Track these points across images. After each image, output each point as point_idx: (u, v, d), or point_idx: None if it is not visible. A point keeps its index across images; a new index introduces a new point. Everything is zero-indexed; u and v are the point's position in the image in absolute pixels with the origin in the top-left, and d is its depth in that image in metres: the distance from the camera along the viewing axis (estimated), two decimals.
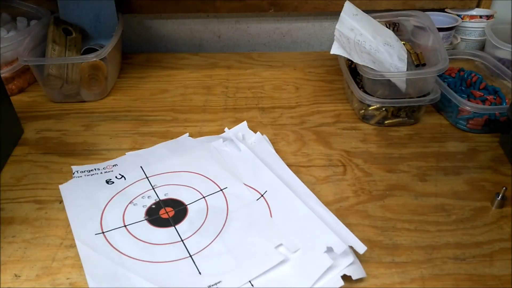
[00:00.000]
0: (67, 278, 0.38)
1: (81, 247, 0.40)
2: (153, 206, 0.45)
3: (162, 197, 0.46)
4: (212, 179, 0.48)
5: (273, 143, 0.55)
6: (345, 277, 0.37)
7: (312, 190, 0.47)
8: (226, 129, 0.57)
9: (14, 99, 0.65)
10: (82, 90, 0.64)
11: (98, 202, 0.46)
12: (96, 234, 0.42)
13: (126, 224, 0.43)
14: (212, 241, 0.41)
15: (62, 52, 0.64)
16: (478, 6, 0.78)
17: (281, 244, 0.40)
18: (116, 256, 0.40)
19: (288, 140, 0.56)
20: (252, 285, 0.37)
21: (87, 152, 0.54)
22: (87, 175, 0.49)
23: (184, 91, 0.68)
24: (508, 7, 0.78)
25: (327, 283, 0.37)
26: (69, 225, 0.43)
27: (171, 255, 0.40)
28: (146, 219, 0.44)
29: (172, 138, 0.56)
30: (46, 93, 0.65)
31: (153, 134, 0.57)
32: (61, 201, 0.47)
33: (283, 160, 0.51)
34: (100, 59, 0.62)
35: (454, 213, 0.45)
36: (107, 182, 0.48)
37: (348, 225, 0.42)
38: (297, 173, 0.49)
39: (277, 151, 0.53)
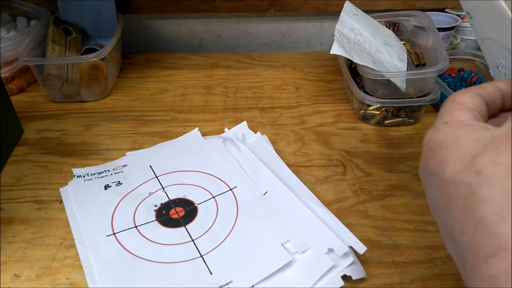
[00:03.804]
0: (67, 278, 0.38)
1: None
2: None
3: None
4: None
5: (273, 143, 0.55)
6: (345, 277, 0.37)
7: (312, 190, 0.47)
8: (226, 129, 0.57)
9: (14, 99, 0.65)
10: (82, 90, 0.64)
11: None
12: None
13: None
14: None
15: (62, 52, 0.64)
16: None
17: (288, 241, 0.40)
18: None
19: (288, 140, 0.56)
20: (252, 286, 0.37)
21: (87, 152, 0.54)
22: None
23: (184, 91, 0.68)
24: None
25: (327, 284, 0.37)
26: (69, 225, 0.43)
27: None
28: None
29: (172, 138, 0.56)
30: (46, 93, 0.65)
31: (153, 134, 0.58)
32: (61, 201, 0.47)
33: (283, 160, 0.51)
34: (100, 59, 0.62)
35: None
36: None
37: (348, 225, 0.42)
38: (297, 173, 0.49)
39: (277, 151, 0.53)
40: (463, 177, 0.21)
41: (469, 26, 0.76)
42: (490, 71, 0.29)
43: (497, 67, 0.28)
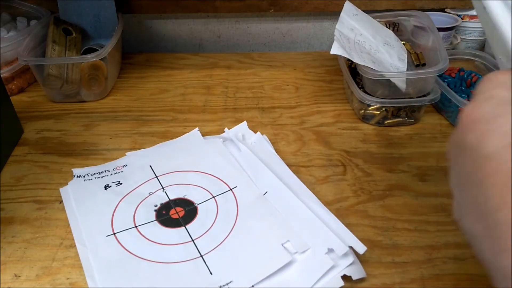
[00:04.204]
0: (67, 278, 0.38)
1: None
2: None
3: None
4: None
5: (273, 143, 0.55)
6: (345, 277, 0.37)
7: (312, 190, 0.47)
8: (226, 129, 0.57)
9: (14, 99, 0.65)
10: (82, 90, 0.64)
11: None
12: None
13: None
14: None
15: (62, 52, 0.64)
16: None
17: (288, 241, 0.40)
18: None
19: (288, 140, 0.56)
20: (252, 286, 0.37)
21: (87, 152, 0.54)
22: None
23: (184, 91, 0.68)
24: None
25: (327, 284, 0.37)
26: (69, 225, 0.43)
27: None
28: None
29: (172, 138, 0.56)
30: (46, 93, 0.65)
31: (153, 134, 0.58)
32: (61, 201, 0.47)
33: (283, 160, 0.51)
34: (100, 59, 0.62)
35: None
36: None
37: (348, 225, 0.42)
38: (297, 173, 0.49)
39: (277, 151, 0.53)
40: (505, 154, 0.21)
41: (469, 26, 0.76)
42: (500, 57, 0.28)
43: None
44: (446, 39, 0.74)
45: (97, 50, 0.63)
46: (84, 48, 0.68)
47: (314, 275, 0.37)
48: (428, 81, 0.57)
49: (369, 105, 0.58)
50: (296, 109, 0.63)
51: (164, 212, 0.44)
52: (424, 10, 0.67)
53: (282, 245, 0.40)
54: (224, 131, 0.57)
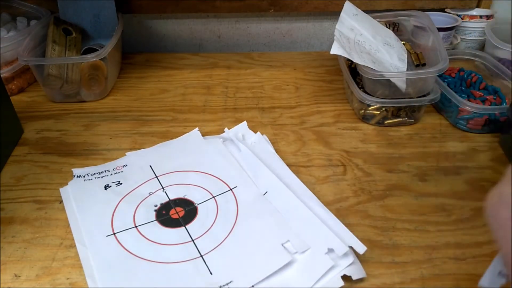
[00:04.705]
0: (67, 278, 0.38)
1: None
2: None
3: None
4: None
5: (273, 143, 0.55)
6: (345, 277, 0.37)
7: (312, 190, 0.47)
8: (226, 129, 0.57)
9: (14, 99, 0.65)
10: (82, 90, 0.64)
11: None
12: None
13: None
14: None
15: (62, 52, 0.64)
16: (478, 6, 0.78)
17: (288, 241, 0.40)
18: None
19: (288, 140, 0.56)
20: (252, 286, 0.37)
21: (87, 152, 0.54)
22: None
23: (184, 91, 0.68)
24: (508, 7, 0.78)
25: (327, 283, 0.37)
26: (69, 225, 0.43)
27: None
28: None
29: (172, 138, 0.56)
30: (46, 93, 0.65)
31: (153, 134, 0.58)
32: (61, 201, 0.47)
33: (283, 160, 0.51)
34: (100, 59, 0.62)
35: (454, 213, 0.45)
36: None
37: (348, 225, 0.42)
38: (297, 173, 0.49)
39: (277, 151, 0.53)
40: None
41: (469, 26, 0.76)
42: None
43: None
44: (446, 39, 0.74)
45: (97, 50, 0.63)
46: (84, 48, 0.68)
47: (314, 275, 0.37)
48: (428, 81, 0.57)
49: (369, 105, 0.58)
50: (296, 109, 0.63)
51: (164, 212, 0.44)
52: (424, 10, 0.67)
53: (282, 245, 0.40)
54: (224, 131, 0.57)
